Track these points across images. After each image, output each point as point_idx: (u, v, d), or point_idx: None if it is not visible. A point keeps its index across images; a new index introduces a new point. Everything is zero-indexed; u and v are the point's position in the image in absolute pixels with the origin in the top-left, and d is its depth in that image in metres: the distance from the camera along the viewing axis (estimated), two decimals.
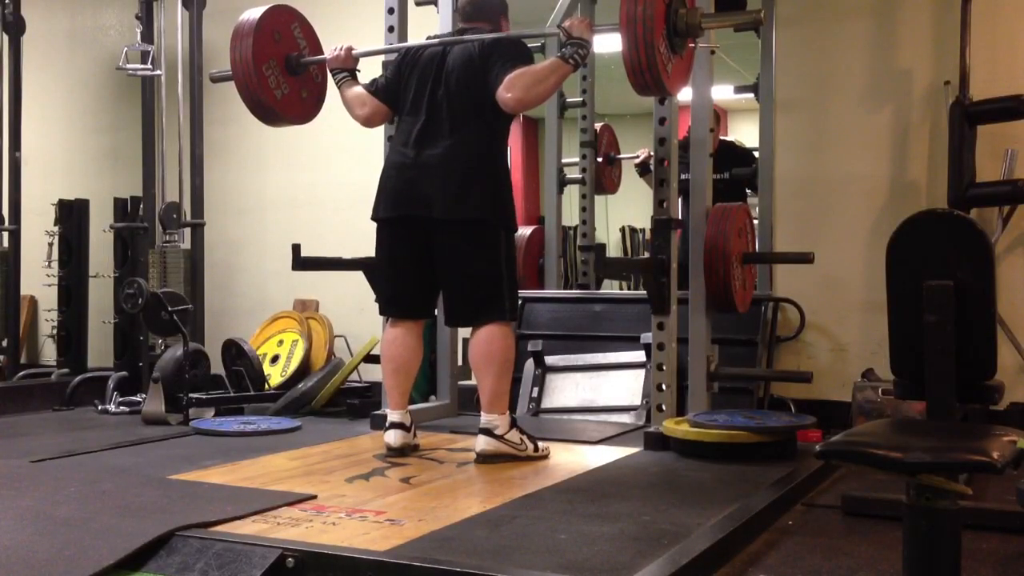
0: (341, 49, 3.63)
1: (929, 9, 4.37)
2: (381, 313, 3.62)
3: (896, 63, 4.43)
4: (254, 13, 3.63)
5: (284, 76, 3.66)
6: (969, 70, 4.10)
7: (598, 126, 5.48)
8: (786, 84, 4.63)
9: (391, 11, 4.23)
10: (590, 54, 3.30)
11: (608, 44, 5.50)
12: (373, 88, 3.59)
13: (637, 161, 5.53)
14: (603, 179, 5.58)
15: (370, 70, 3.86)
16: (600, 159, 5.50)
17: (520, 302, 4.68)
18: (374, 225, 3.54)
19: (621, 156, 5.74)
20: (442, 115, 3.37)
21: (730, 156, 5.08)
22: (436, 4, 4.37)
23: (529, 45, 5.18)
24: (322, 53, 3.76)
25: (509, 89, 3.22)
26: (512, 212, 3.44)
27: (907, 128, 4.41)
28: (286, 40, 3.69)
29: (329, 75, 3.73)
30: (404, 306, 3.53)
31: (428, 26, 4.44)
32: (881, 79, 4.44)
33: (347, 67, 3.64)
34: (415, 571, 2.03)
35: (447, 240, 3.37)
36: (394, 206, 3.42)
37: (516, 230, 3.51)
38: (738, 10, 4.61)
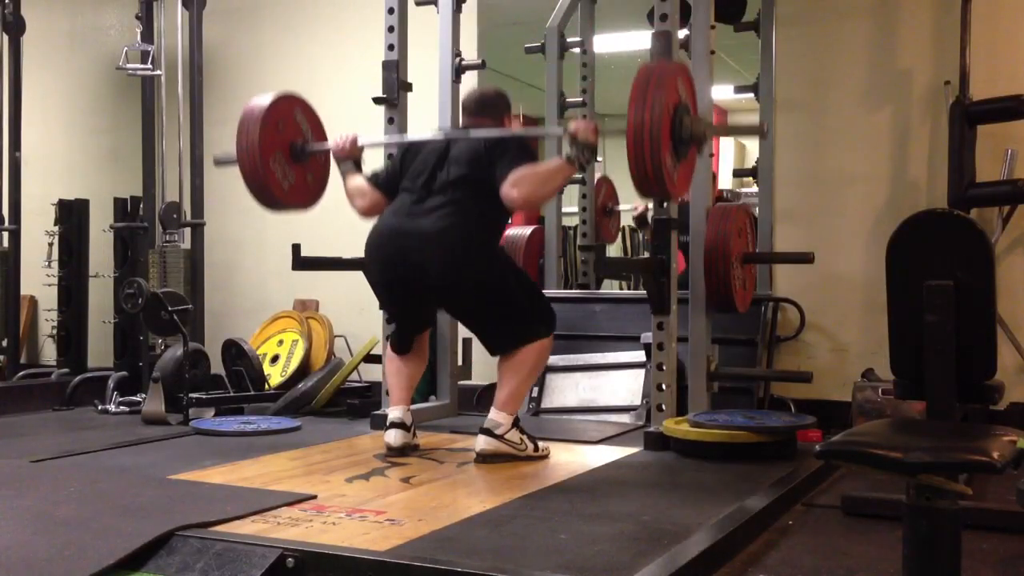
0: (346, 140, 3.65)
1: (929, 9, 4.37)
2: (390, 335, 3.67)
3: (896, 63, 4.43)
4: (260, 103, 3.61)
5: (290, 165, 3.67)
6: (969, 70, 4.10)
7: (596, 178, 5.46)
8: (786, 84, 4.63)
9: (391, 11, 4.23)
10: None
11: (609, 44, 5.52)
12: (374, 180, 3.61)
13: (635, 214, 5.55)
14: (601, 230, 5.55)
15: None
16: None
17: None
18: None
19: (619, 207, 5.74)
20: (441, 194, 3.35)
21: None
22: (436, 4, 4.37)
23: (528, 45, 5.24)
24: (324, 133, 3.78)
25: (515, 186, 3.22)
26: (504, 261, 3.44)
27: (907, 128, 4.41)
28: (289, 128, 3.69)
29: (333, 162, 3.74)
30: (408, 341, 3.58)
31: (428, 26, 4.45)
32: (881, 79, 4.44)
33: (351, 157, 3.67)
34: (415, 571, 2.03)
35: (450, 300, 3.43)
36: (384, 270, 3.41)
37: (509, 259, 3.51)
38: (738, 15, 4.63)
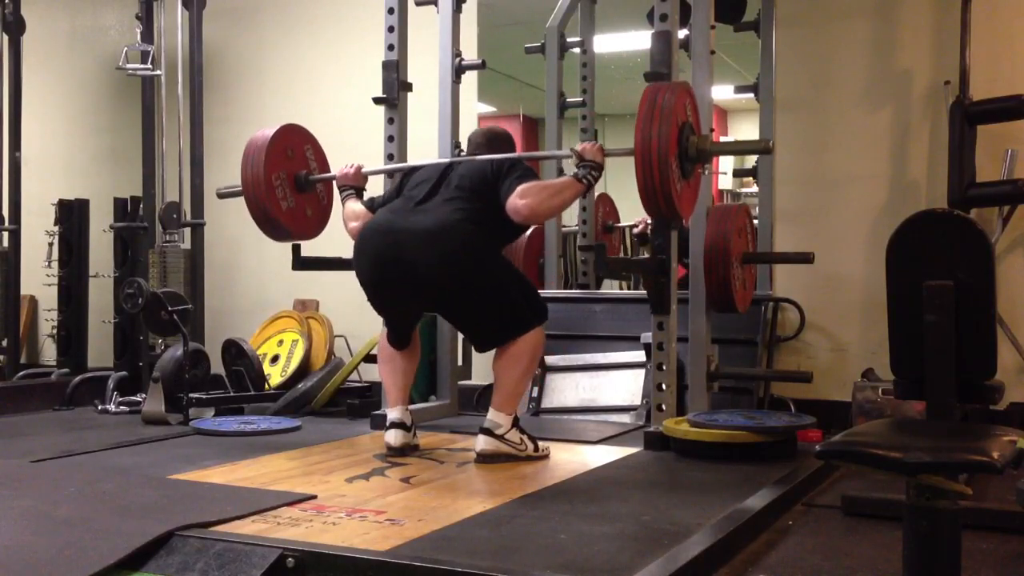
0: (351, 167, 3.70)
1: (929, 9, 4.37)
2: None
3: (896, 63, 4.42)
4: (270, 129, 3.72)
5: (291, 191, 3.75)
6: (969, 70, 4.10)
7: (596, 195, 5.46)
8: (786, 84, 4.63)
9: (391, 11, 4.23)
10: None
11: (609, 44, 5.51)
12: (371, 204, 3.63)
13: (636, 231, 5.55)
14: None
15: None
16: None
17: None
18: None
19: (620, 224, 5.74)
20: (441, 198, 3.35)
21: None
22: (436, 4, 4.37)
23: (528, 45, 5.24)
24: (329, 171, 3.85)
25: (524, 196, 3.22)
26: (500, 256, 3.41)
27: (907, 128, 4.40)
28: (298, 158, 3.80)
29: (336, 192, 3.77)
30: (403, 336, 3.56)
31: (428, 26, 4.45)
32: (881, 79, 4.44)
33: (355, 184, 3.70)
34: (415, 571, 2.03)
35: (439, 301, 3.41)
36: (373, 267, 3.33)
37: (503, 257, 3.48)
38: (738, 15, 4.63)
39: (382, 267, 3.31)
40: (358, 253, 3.38)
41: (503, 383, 3.33)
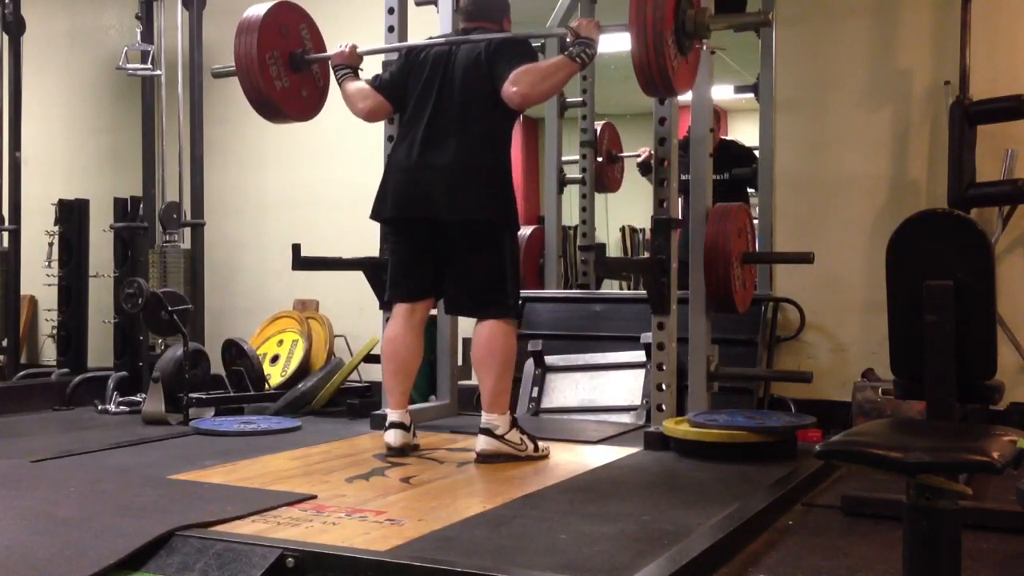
0: (346, 46, 3.67)
1: (929, 9, 4.37)
2: (388, 300, 3.61)
3: (896, 63, 4.42)
4: (263, 6, 3.65)
5: (286, 70, 3.67)
6: (969, 70, 4.10)
7: (599, 125, 5.47)
8: (786, 84, 4.63)
9: (391, 11, 4.24)
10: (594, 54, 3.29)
11: (609, 44, 5.51)
12: (376, 83, 3.61)
13: (639, 160, 5.53)
14: (605, 178, 5.56)
15: (371, 67, 3.85)
16: (601, 158, 5.50)
17: (520, 302, 4.69)
18: (374, 225, 3.54)
19: (623, 155, 5.74)
20: (447, 117, 3.38)
21: (729, 156, 5.06)
22: (436, 4, 4.37)
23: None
24: (326, 55, 3.77)
25: (515, 83, 3.23)
26: (515, 211, 3.46)
27: (907, 128, 4.40)
28: (292, 37, 3.71)
29: (331, 72, 3.72)
30: (410, 289, 3.53)
31: (428, 25, 4.44)
32: (881, 79, 4.44)
33: (350, 63, 3.66)
34: (415, 571, 2.03)
35: (452, 239, 3.40)
36: (397, 207, 3.43)
37: (519, 228, 3.53)
38: (738, 11, 4.63)
39: (406, 203, 3.40)
40: (383, 192, 3.47)
41: (484, 385, 3.36)
